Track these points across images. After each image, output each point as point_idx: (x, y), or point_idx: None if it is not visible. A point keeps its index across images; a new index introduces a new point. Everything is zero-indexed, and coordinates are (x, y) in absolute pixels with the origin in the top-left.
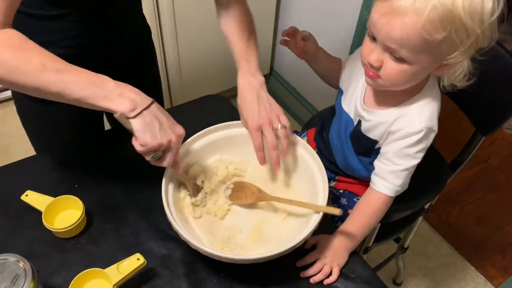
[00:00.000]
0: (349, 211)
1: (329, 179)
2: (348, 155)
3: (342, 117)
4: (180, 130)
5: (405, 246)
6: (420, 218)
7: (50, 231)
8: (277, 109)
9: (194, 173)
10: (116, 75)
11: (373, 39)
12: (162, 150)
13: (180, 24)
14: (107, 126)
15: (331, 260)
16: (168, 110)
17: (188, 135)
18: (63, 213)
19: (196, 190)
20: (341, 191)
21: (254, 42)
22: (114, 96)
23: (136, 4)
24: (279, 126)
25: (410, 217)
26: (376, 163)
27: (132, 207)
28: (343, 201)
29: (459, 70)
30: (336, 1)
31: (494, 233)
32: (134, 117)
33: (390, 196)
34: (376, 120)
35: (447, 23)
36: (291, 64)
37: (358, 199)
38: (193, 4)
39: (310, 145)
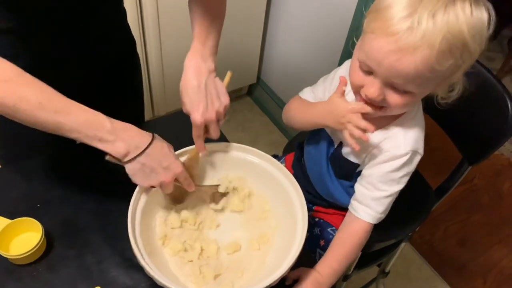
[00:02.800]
0: (321, 242)
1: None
2: (327, 180)
3: (321, 138)
4: (177, 169)
5: (386, 270)
6: (403, 244)
7: (3, 257)
8: (225, 100)
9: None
10: (97, 88)
11: (369, 72)
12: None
13: (165, 33)
14: None
15: None
16: (148, 122)
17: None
18: (20, 237)
19: (218, 198)
20: (316, 219)
21: (217, 27)
22: (109, 139)
23: (118, 16)
24: (225, 119)
25: (392, 244)
26: (358, 187)
27: (97, 230)
28: (316, 230)
29: (457, 87)
30: (326, 11)
31: (476, 256)
32: (126, 162)
33: (372, 224)
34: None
35: (456, 50)
36: (278, 74)
37: (332, 229)
38: (177, 13)
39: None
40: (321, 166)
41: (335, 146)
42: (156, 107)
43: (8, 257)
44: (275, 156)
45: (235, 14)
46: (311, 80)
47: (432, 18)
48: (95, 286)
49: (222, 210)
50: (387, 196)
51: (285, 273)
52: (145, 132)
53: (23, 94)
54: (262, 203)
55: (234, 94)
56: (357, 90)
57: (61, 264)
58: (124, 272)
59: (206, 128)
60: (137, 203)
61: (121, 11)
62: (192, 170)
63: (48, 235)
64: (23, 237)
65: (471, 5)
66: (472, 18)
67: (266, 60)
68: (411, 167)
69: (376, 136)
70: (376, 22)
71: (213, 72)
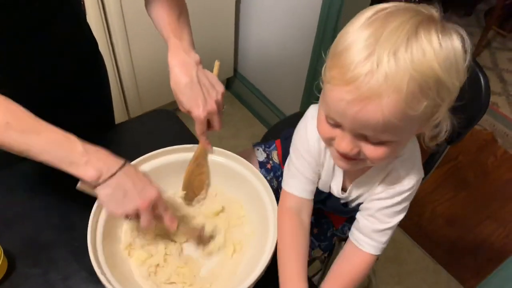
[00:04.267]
0: (315, 230)
1: None
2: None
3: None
4: (152, 194)
5: None
6: None
7: None
8: (220, 88)
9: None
10: (61, 91)
11: (336, 125)
12: (133, 217)
13: (132, 33)
14: None
15: None
16: (121, 125)
17: (137, 153)
18: None
19: (204, 240)
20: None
21: (185, 19)
22: (80, 163)
23: (77, 17)
24: (223, 109)
25: None
26: (360, 218)
27: (62, 246)
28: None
29: (444, 126)
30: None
31: (465, 235)
32: (98, 186)
33: (375, 256)
34: (357, 192)
35: (428, 89)
36: (255, 65)
37: (326, 221)
38: (143, 11)
39: (280, 159)
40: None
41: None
42: (131, 109)
43: None
44: (257, 145)
45: (204, 9)
46: (287, 67)
47: (394, 56)
48: None
49: (209, 254)
50: (391, 228)
51: (255, 280)
52: (116, 156)
53: None
54: (237, 209)
55: None
56: (329, 143)
57: (25, 284)
58: (93, 287)
59: (208, 122)
60: (98, 216)
61: (81, 11)
62: (201, 168)
63: (8, 255)
64: None
65: (438, 35)
66: (442, 50)
67: (241, 53)
68: (414, 193)
69: (374, 179)
70: (333, 70)
71: (200, 63)
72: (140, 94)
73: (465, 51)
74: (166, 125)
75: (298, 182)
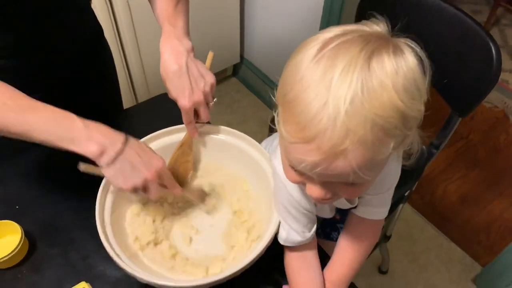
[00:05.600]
0: (337, 216)
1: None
2: None
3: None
4: (158, 164)
5: (388, 234)
6: (401, 206)
7: None
8: (210, 79)
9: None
10: (65, 82)
11: (303, 173)
12: (141, 190)
13: (137, 19)
14: None
15: None
16: (127, 110)
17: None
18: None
19: (202, 198)
20: None
21: (183, 7)
22: (81, 139)
23: (82, 11)
24: (214, 100)
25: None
26: (357, 209)
27: (80, 227)
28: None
29: (415, 147)
30: None
31: (478, 212)
32: (103, 163)
33: (381, 220)
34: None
35: (394, 128)
36: (261, 51)
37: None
38: None
39: None
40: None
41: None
42: (138, 95)
43: None
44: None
45: None
46: None
47: (350, 105)
48: (81, 282)
49: (213, 208)
50: (388, 197)
51: (267, 244)
52: (116, 131)
53: None
54: (241, 183)
55: (219, 76)
56: (301, 185)
57: (45, 264)
58: (112, 265)
59: (195, 112)
60: (104, 202)
61: None
62: (186, 156)
63: (29, 237)
64: (3, 241)
65: (392, 61)
66: (399, 77)
67: (247, 38)
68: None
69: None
70: (288, 125)
71: (191, 51)
72: (147, 81)
73: (423, 66)
74: (174, 109)
75: (296, 236)
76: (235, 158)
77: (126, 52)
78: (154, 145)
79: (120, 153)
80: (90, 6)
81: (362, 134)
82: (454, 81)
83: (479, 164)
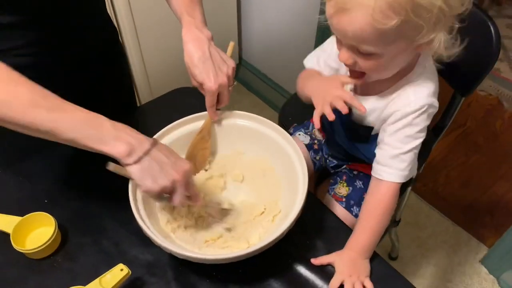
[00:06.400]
0: (364, 194)
1: (341, 165)
2: (345, 141)
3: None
4: (185, 166)
5: (397, 219)
6: (409, 189)
7: (21, 253)
8: (231, 63)
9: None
10: (85, 80)
11: (339, 40)
12: (168, 192)
13: (139, 19)
14: None
15: (357, 276)
16: (137, 109)
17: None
18: (34, 233)
19: (223, 214)
20: (355, 172)
21: (199, 0)
22: (109, 139)
23: (98, 10)
24: (234, 84)
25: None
26: (377, 151)
27: (109, 215)
28: (359, 184)
29: (436, 45)
30: None
31: (481, 195)
32: (131, 164)
33: (398, 183)
34: (368, 108)
35: (400, 8)
36: (259, 51)
37: None
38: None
39: (322, 134)
40: (340, 130)
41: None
42: (141, 96)
43: (25, 252)
44: (297, 128)
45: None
46: (292, 51)
47: None
48: (118, 263)
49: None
50: (406, 152)
51: (290, 225)
52: (144, 135)
53: (16, 92)
54: (262, 164)
55: None
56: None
57: (79, 252)
58: (144, 250)
59: (217, 95)
60: (136, 190)
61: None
62: (205, 143)
63: (61, 228)
64: (37, 232)
65: None
66: None
67: (244, 39)
68: (426, 122)
69: (384, 98)
70: None
71: (212, 40)
72: (150, 83)
73: None
74: (189, 102)
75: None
76: (256, 143)
77: (129, 55)
78: (169, 137)
79: (147, 153)
80: (106, 10)
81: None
82: (455, 61)
83: (478, 150)
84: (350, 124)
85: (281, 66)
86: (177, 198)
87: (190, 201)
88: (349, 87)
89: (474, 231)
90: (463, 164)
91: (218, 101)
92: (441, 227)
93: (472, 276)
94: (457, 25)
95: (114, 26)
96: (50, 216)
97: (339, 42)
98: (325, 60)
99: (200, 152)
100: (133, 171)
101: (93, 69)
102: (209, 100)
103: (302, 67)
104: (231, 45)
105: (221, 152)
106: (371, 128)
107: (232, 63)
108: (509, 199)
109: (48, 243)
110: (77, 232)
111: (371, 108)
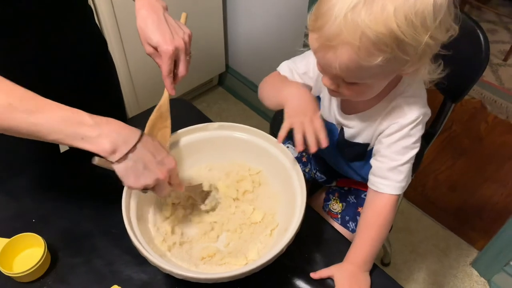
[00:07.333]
0: (359, 209)
1: (331, 181)
2: (342, 163)
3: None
4: (171, 164)
5: None
6: (401, 196)
7: (9, 277)
8: (187, 30)
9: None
10: (74, 93)
11: None
12: (151, 188)
13: (125, 30)
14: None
15: None
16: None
17: None
18: (22, 254)
19: (204, 197)
20: (345, 188)
21: None
22: (92, 136)
23: (85, 16)
24: (190, 55)
25: None
26: (373, 162)
27: (101, 234)
28: (351, 198)
29: (421, 72)
30: None
31: (469, 198)
32: (117, 161)
33: (396, 195)
34: (360, 125)
35: (385, 46)
36: (246, 59)
37: (366, 195)
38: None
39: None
40: (332, 152)
41: (338, 130)
42: (128, 109)
43: (13, 275)
44: (286, 141)
45: (192, 6)
46: (279, 57)
47: (351, 10)
48: (113, 285)
49: (212, 209)
50: (403, 164)
51: (292, 237)
52: (130, 126)
53: None
54: (258, 176)
55: (206, 86)
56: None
57: (70, 273)
58: (137, 269)
59: (174, 65)
60: (129, 207)
61: (88, 11)
62: (164, 121)
63: (51, 248)
64: (25, 254)
65: None
66: (405, 6)
67: (231, 47)
68: (421, 131)
69: (376, 113)
70: (311, 16)
71: (166, 9)
72: (137, 96)
73: (439, 9)
74: (181, 113)
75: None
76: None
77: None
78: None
79: (132, 150)
80: (94, 20)
81: (351, 38)
82: (444, 68)
83: (464, 153)
84: (343, 142)
85: (269, 73)
86: (161, 193)
87: (172, 189)
88: (335, 105)
89: (464, 234)
90: (450, 168)
91: (175, 73)
92: (431, 231)
93: (464, 279)
94: (441, 53)
95: (103, 37)
96: (39, 236)
97: (323, 73)
98: (300, 76)
99: (161, 132)
100: (117, 169)
101: (82, 81)
102: (165, 66)
103: None
104: (184, 15)
105: (217, 163)
106: (367, 144)
107: (188, 30)
108: (497, 201)
109: (38, 265)
110: (67, 252)
111: (364, 124)
